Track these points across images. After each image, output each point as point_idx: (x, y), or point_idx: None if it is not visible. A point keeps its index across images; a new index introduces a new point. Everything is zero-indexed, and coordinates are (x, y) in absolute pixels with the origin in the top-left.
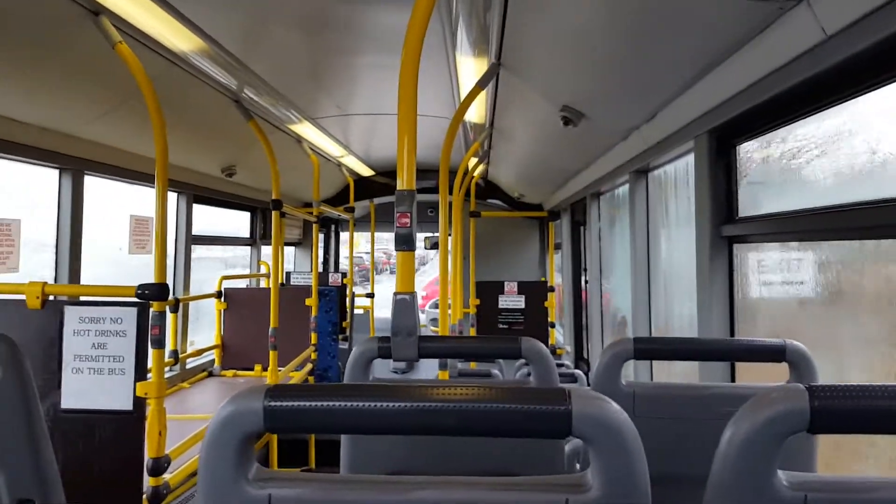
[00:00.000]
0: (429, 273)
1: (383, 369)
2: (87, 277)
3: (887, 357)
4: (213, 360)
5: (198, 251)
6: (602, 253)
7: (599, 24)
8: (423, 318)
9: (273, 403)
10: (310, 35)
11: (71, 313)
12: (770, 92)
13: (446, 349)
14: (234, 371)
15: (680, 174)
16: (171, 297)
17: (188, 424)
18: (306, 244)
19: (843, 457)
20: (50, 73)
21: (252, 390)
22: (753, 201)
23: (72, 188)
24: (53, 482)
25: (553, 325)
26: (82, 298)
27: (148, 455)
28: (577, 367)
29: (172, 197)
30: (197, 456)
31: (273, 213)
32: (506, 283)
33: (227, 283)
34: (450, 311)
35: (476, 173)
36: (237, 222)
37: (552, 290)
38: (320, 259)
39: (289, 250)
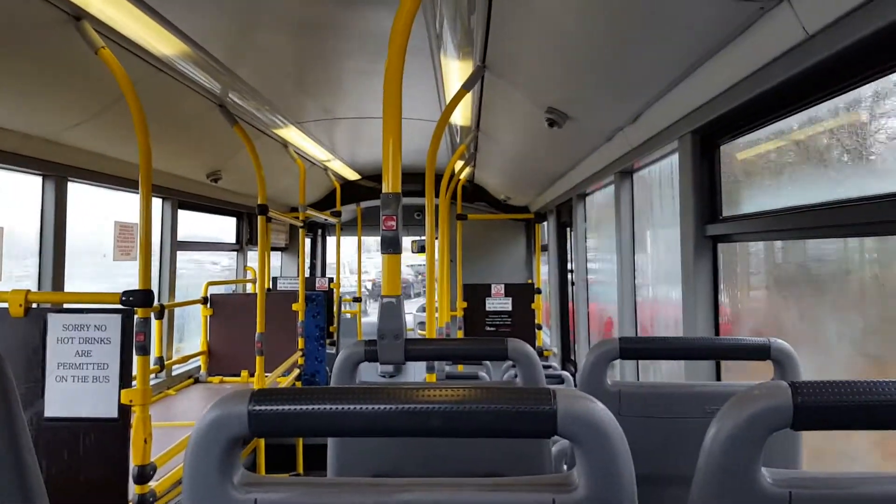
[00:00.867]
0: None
1: (371, 374)
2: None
3: None
4: (199, 367)
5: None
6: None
7: (583, 25)
8: (410, 321)
9: (258, 407)
10: (294, 39)
11: (54, 321)
12: (753, 91)
13: (433, 351)
14: (220, 377)
15: (664, 175)
16: (156, 303)
17: (174, 431)
18: (293, 249)
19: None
20: (31, 79)
21: (236, 394)
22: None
23: (55, 195)
24: (38, 492)
25: (540, 327)
26: (66, 305)
27: (133, 463)
28: (564, 368)
29: (157, 203)
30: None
31: (259, 217)
32: (493, 286)
33: (213, 289)
34: (437, 315)
35: (462, 176)
36: (223, 226)
37: (539, 291)
38: (307, 264)
39: (275, 255)
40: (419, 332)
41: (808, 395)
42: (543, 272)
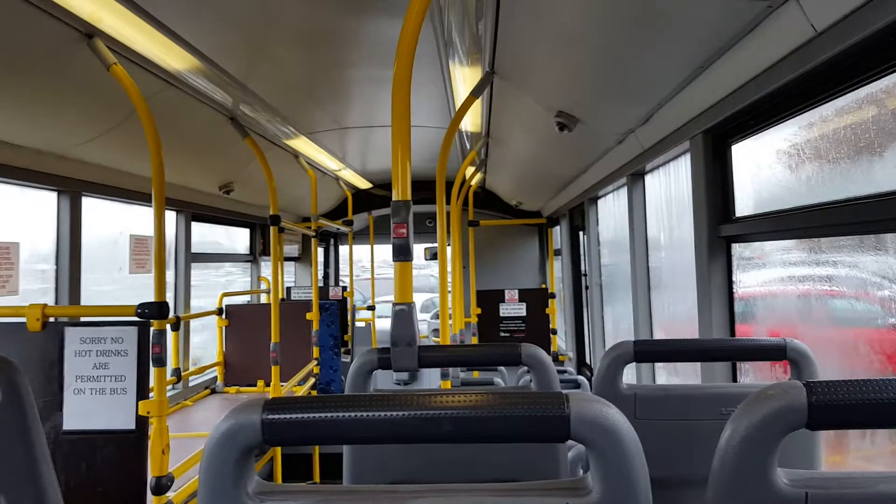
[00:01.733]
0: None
1: (386, 382)
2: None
3: None
4: (215, 378)
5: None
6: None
7: (591, 28)
8: (424, 328)
9: (271, 416)
10: (303, 50)
11: (71, 334)
12: (763, 90)
13: (446, 358)
14: (237, 388)
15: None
16: (171, 314)
17: (191, 442)
18: (306, 259)
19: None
20: (45, 96)
21: (250, 404)
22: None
23: (70, 210)
24: None
25: (555, 332)
26: (83, 319)
27: (151, 474)
28: (579, 373)
29: (171, 216)
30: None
31: (272, 228)
32: (506, 291)
33: (228, 300)
34: (451, 321)
35: (473, 182)
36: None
37: (553, 296)
38: (320, 273)
39: (289, 265)
40: (433, 339)
41: (822, 394)
42: (557, 277)
